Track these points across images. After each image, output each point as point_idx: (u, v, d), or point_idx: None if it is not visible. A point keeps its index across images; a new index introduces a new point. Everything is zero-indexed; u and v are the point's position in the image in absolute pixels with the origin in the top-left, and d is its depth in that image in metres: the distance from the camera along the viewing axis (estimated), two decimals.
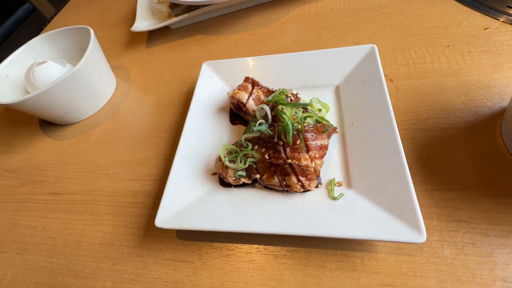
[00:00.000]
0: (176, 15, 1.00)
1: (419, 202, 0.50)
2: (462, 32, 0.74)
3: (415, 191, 0.51)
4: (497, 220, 0.47)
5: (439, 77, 0.67)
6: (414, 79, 0.68)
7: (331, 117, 0.64)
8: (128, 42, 1.08)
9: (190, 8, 1.00)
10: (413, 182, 0.52)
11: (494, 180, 0.51)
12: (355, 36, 0.82)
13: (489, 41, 0.70)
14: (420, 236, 0.42)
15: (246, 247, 0.54)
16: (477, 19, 0.75)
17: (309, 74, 0.71)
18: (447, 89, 0.64)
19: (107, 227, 0.63)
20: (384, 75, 0.70)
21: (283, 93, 0.58)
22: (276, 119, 0.55)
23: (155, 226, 0.52)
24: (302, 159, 0.51)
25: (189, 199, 0.56)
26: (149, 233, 0.59)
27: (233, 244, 0.54)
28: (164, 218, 0.53)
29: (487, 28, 0.73)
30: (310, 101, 0.63)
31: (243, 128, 0.68)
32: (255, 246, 0.53)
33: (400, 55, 0.74)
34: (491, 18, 0.74)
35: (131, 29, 0.97)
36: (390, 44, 0.77)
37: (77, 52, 0.91)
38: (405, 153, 0.56)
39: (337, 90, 0.68)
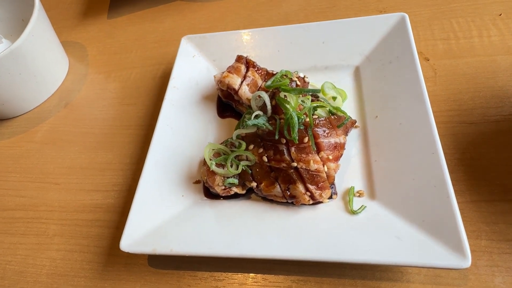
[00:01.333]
0: None
1: (462, 217, 0.51)
2: None
3: (458, 203, 0.52)
4: None
5: (489, 55, 0.68)
6: (457, 57, 0.69)
7: (349, 107, 0.65)
8: (84, 11, 1.09)
9: None
10: (455, 191, 0.52)
11: None
12: (380, 2, 0.83)
13: None
14: (464, 260, 0.42)
15: (239, 276, 0.54)
16: None
17: (321, 52, 0.71)
18: (499, 71, 0.65)
19: (57, 252, 0.63)
20: (418, 52, 0.71)
21: (286, 76, 0.58)
22: (277, 110, 0.55)
23: (121, 251, 0.53)
24: (312, 161, 0.52)
25: (164, 215, 0.56)
26: (112, 260, 0.59)
27: (223, 273, 0.55)
28: (132, 240, 0.53)
29: None
30: (322, 86, 0.64)
31: (234, 122, 0.68)
32: (251, 275, 0.54)
33: (439, 27, 0.75)
34: None
35: None
36: (425, 12, 0.78)
37: (17, 24, 0.91)
38: (444, 153, 0.56)
39: (357, 72, 0.69)
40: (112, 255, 0.60)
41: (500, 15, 0.73)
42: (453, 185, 0.53)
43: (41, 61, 0.82)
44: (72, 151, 0.77)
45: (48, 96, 0.88)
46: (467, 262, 0.42)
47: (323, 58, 0.71)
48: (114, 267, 0.59)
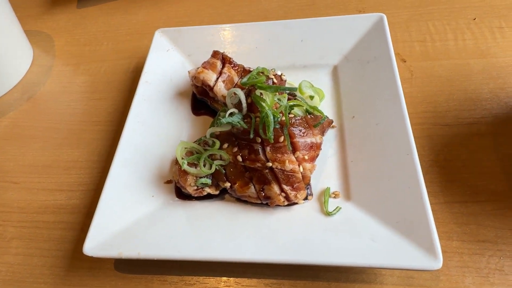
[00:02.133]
0: None
1: (435, 218, 0.52)
2: (491, 1, 0.77)
3: (431, 204, 0.53)
4: None
5: (463, 59, 0.70)
6: (433, 60, 0.71)
7: (326, 106, 0.65)
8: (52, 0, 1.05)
9: None
10: (429, 192, 0.53)
11: None
12: (360, 1, 0.84)
13: None
14: (435, 261, 0.43)
15: (211, 280, 0.53)
16: None
17: (299, 50, 0.71)
18: (472, 74, 0.67)
19: (15, 257, 0.59)
20: (396, 53, 0.73)
21: (262, 73, 0.58)
22: (253, 108, 0.54)
23: (84, 255, 0.51)
24: (287, 161, 0.51)
25: (133, 217, 0.54)
26: (76, 264, 0.57)
27: (194, 277, 0.53)
28: (97, 243, 0.51)
29: None
30: (300, 85, 0.64)
31: (209, 120, 0.67)
32: (224, 279, 0.53)
33: (416, 29, 0.76)
34: None
35: None
36: (404, 14, 0.80)
37: None
38: (419, 155, 0.57)
39: (335, 71, 0.69)
40: (75, 259, 0.57)
41: (474, 19, 0.75)
42: (427, 186, 0.54)
43: (1, 50, 0.78)
44: (35, 147, 0.73)
45: (9, 89, 0.84)
46: (438, 264, 0.43)
47: (302, 57, 0.71)
48: (77, 272, 0.56)
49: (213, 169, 0.54)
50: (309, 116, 0.56)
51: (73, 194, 0.65)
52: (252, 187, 0.53)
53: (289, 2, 0.88)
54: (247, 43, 0.73)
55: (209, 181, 0.54)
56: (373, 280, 0.50)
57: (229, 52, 0.72)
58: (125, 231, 0.53)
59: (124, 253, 0.50)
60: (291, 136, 0.52)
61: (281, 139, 0.52)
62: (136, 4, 0.97)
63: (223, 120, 0.53)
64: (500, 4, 0.77)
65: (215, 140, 0.55)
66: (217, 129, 0.56)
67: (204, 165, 0.54)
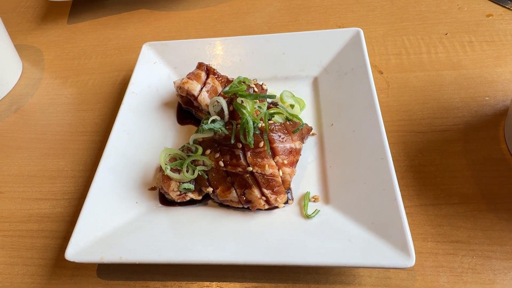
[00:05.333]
0: None
1: (411, 220, 0.55)
2: (462, 18, 0.83)
3: (407, 207, 0.56)
4: (499, 240, 0.52)
5: (436, 70, 0.74)
6: (408, 71, 0.75)
7: (307, 115, 0.68)
8: (43, 15, 1.07)
9: None
10: (404, 196, 0.56)
11: (496, 192, 0.56)
12: (339, 18, 0.89)
13: (491, 29, 0.79)
14: (408, 260, 0.45)
15: (193, 285, 0.54)
16: (479, 3, 0.85)
17: (281, 63, 0.75)
18: (444, 84, 0.71)
19: None
20: (373, 66, 0.77)
21: (244, 82, 0.60)
22: (234, 115, 0.57)
23: (67, 262, 0.51)
24: (267, 166, 0.53)
25: (116, 223, 0.55)
26: (58, 272, 0.57)
27: (176, 282, 0.54)
28: (79, 249, 0.51)
29: (490, 15, 0.82)
30: (281, 95, 0.66)
31: (194, 129, 0.69)
32: (206, 283, 0.54)
33: (392, 43, 0.81)
34: (494, 4, 0.84)
35: None
36: (380, 29, 0.84)
37: None
38: (395, 160, 0.60)
39: (315, 82, 0.72)
40: (58, 267, 0.57)
41: (446, 34, 0.80)
42: (402, 190, 0.57)
43: None
44: (20, 157, 0.74)
45: None
46: (411, 262, 0.45)
47: (284, 69, 0.74)
48: (59, 279, 0.56)
49: (195, 175, 0.55)
50: (288, 123, 0.58)
51: (58, 203, 0.66)
52: (234, 191, 0.54)
53: (273, 19, 0.93)
54: (231, 56, 0.76)
55: (192, 186, 0.56)
56: (351, 281, 0.51)
57: (213, 64, 0.75)
58: (108, 236, 0.53)
59: (105, 258, 0.50)
60: (270, 142, 0.55)
61: (261, 144, 0.54)
62: (124, 20, 1.01)
63: (205, 127, 0.55)
64: (469, 21, 0.82)
65: (198, 146, 0.57)
66: (200, 136, 0.58)
67: (187, 171, 0.56)
